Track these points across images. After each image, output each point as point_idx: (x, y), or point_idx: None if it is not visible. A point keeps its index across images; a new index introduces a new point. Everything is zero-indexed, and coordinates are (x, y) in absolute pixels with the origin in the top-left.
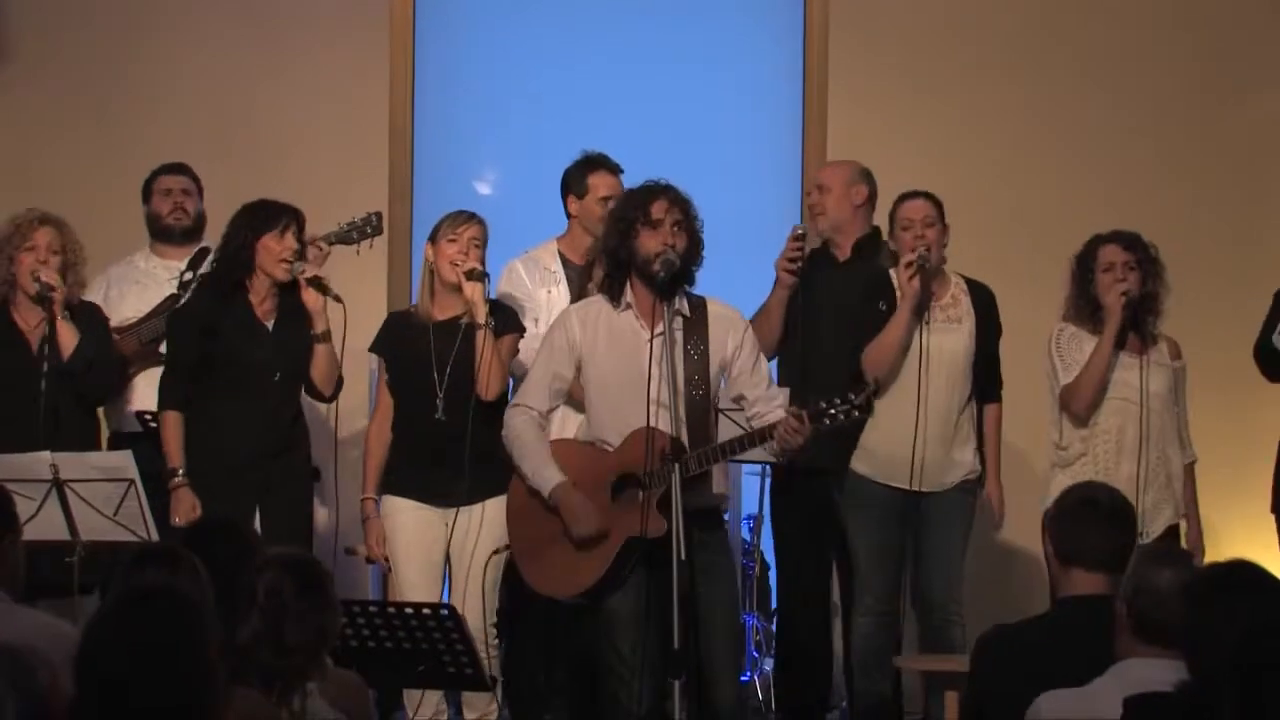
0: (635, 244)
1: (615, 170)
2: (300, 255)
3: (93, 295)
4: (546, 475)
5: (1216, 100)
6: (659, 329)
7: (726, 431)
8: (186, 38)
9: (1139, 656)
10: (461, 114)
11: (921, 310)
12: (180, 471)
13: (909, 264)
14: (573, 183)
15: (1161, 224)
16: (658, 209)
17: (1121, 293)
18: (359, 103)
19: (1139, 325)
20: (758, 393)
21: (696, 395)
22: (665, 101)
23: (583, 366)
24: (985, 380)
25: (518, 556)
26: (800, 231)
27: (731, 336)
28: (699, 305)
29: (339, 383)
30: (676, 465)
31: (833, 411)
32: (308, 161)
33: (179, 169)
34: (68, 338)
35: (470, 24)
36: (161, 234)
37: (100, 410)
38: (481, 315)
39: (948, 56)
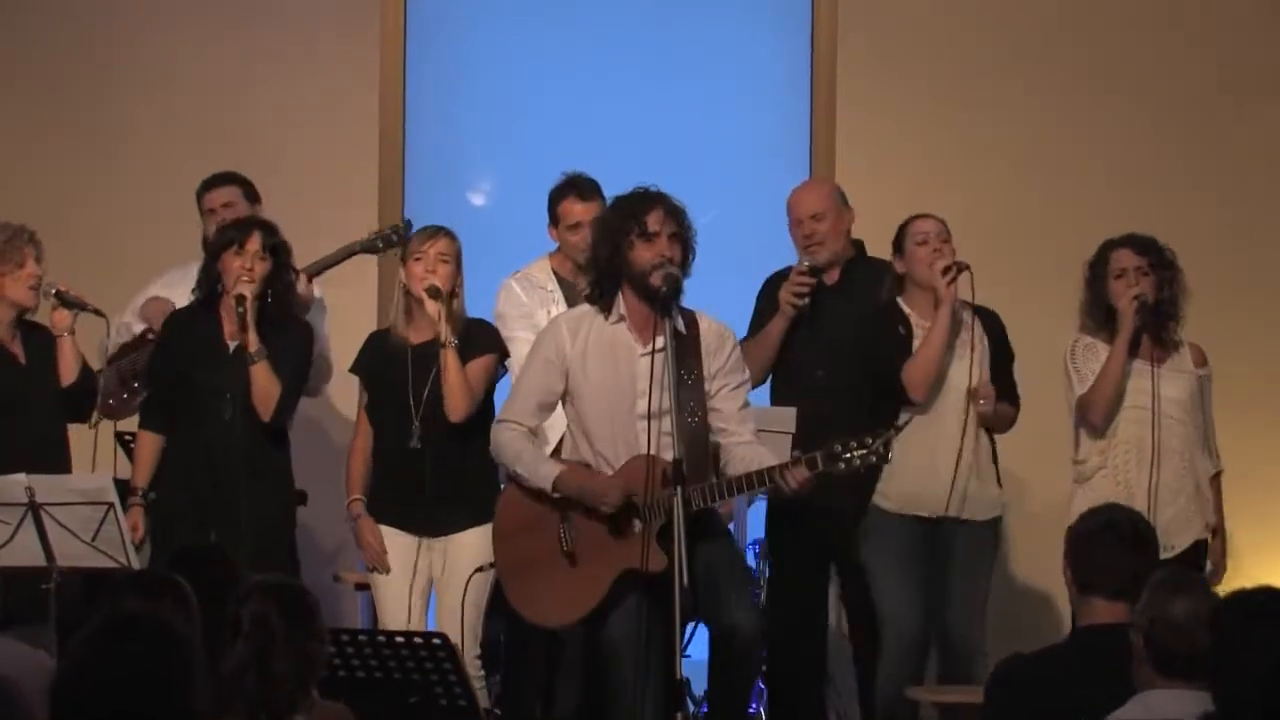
0: (629, 256)
1: (585, 195)
2: (277, 275)
3: (144, 289)
4: (545, 470)
5: (1234, 104)
6: (658, 345)
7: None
8: (168, 44)
9: (1159, 689)
10: (455, 121)
11: (959, 321)
12: (140, 492)
13: (946, 268)
14: (549, 209)
15: (1179, 230)
16: (654, 220)
17: (1134, 297)
18: (348, 110)
19: (1158, 331)
20: (730, 411)
21: (693, 422)
22: (667, 107)
23: (570, 378)
24: (1003, 394)
25: (504, 578)
26: (806, 266)
27: (720, 352)
28: (691, 322)
29: (282, 406)
30: (679, 489)
31: (848, 456)
32: (295, 173)
33: (223, 179)
34: (71, 360)
35: (463, 27)
36: None
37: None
38: (443, 332)
39: (960, 60)
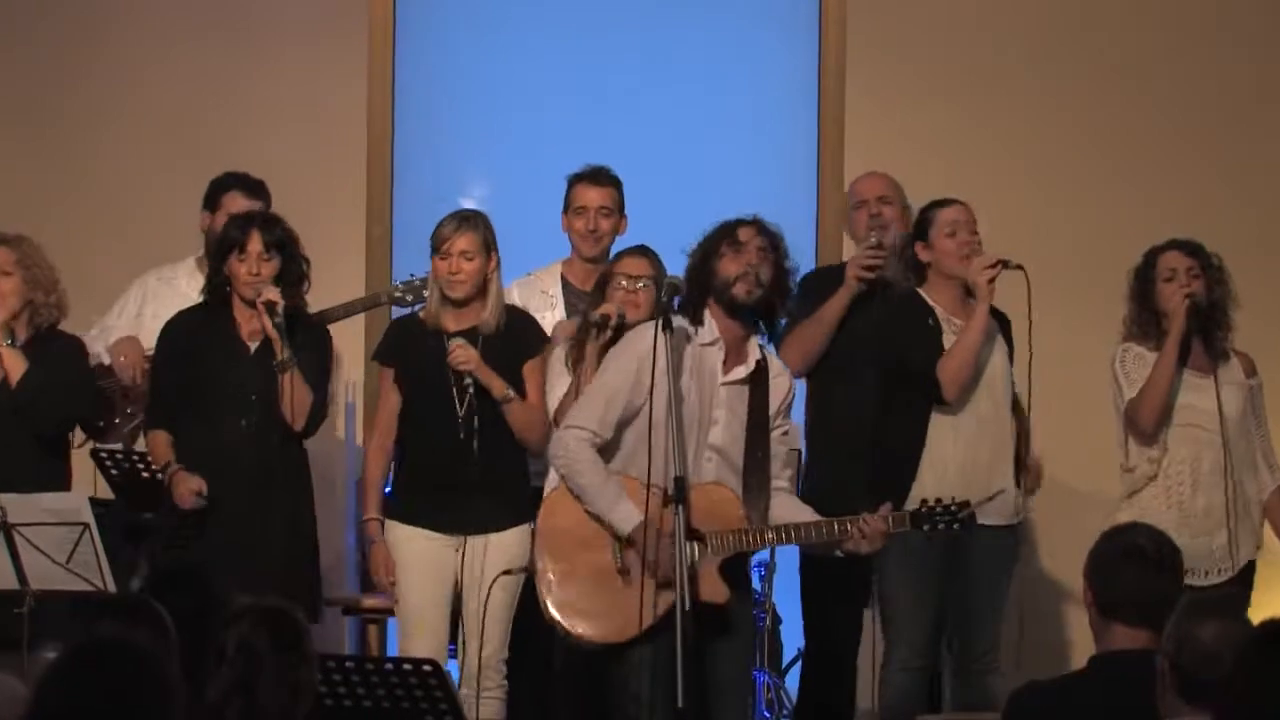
0: (716, 266)
1: (599, 181)
2: (286, 271)
3: (128, 307)
4: (623, 512)
5: (1265, 101)
6: (739, 375)
7: None
8: (145, 42)
9: (1186, 717)
10: (446, 123)
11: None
12: (170, 465)
13: (989, 265)
14: (565, 195)
15: (1205, 237)
16: (745, 232)
17: (1186, 294)
18: (334, 111)
19: (1207, 340)
20: (779, 452)
21: (758, 456)
22: (669, 108)
23: (653, 392)
24: None
25: (543, 583)
26: (875, 241)
27: (785, 395)
28: (761, 355)
29: (314, 416)
30: (679, 506)
31: (935, 519)
32: (277, 177)
33: (256, 189)
34: (14, 365)
35: (457, 25)
36: None
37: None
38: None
39: (974, 57)
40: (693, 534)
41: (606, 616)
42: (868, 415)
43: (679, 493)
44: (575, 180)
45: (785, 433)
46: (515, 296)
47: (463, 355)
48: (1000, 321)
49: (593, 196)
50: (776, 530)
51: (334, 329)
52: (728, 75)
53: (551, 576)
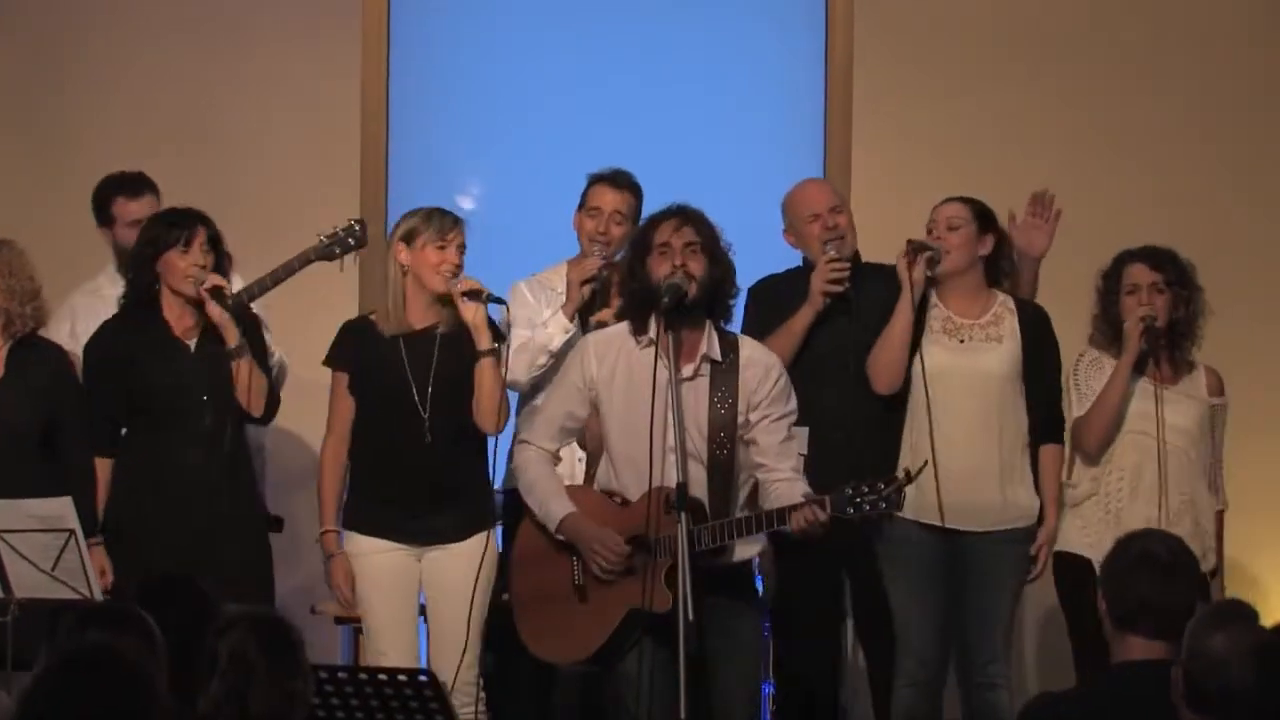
0: (646, 273)
1: (617, 184)
2: (217, 266)
3: (57, 329)
4: (554, 508)
5: (1273, 98)
6: (684, 371)
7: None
8: (132, 35)
9: None
10: (441, 121)
11: (923, 306)
12: (97, 528)
13: (905, 252)
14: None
15: (1218, 237)
16: (664, 231)
17: (1140, 317)
18: (327, 107)
19: (1171, 353)
20: (770, 445)
21: (721, 454)
22: (671, 106)
23: (599, 406)
24: (1042, 417)
25: (517, 610)
26: (833, 254)
27: (764, 383)
28: (731, 347)
29: (271, 402)
30: (683, 514)
31: (859, 501)
32: (270, 174)
33: (138, 187)
34: None
35: (452, 18)
36: None
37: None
38: (485, 341)
39: (982, 55)
40: (640, 540)
41: (567, 635)
42: (849, 422)
43: (681, 499)
44: (595, 180)
45: (776, 420)
46: (526, 294)
47: (474, 283)
48: (1029, 316)
49: (609, 200)
50: (713, 529)
51: (322, 335)
52: (731, 74)
53: (521, 604)
